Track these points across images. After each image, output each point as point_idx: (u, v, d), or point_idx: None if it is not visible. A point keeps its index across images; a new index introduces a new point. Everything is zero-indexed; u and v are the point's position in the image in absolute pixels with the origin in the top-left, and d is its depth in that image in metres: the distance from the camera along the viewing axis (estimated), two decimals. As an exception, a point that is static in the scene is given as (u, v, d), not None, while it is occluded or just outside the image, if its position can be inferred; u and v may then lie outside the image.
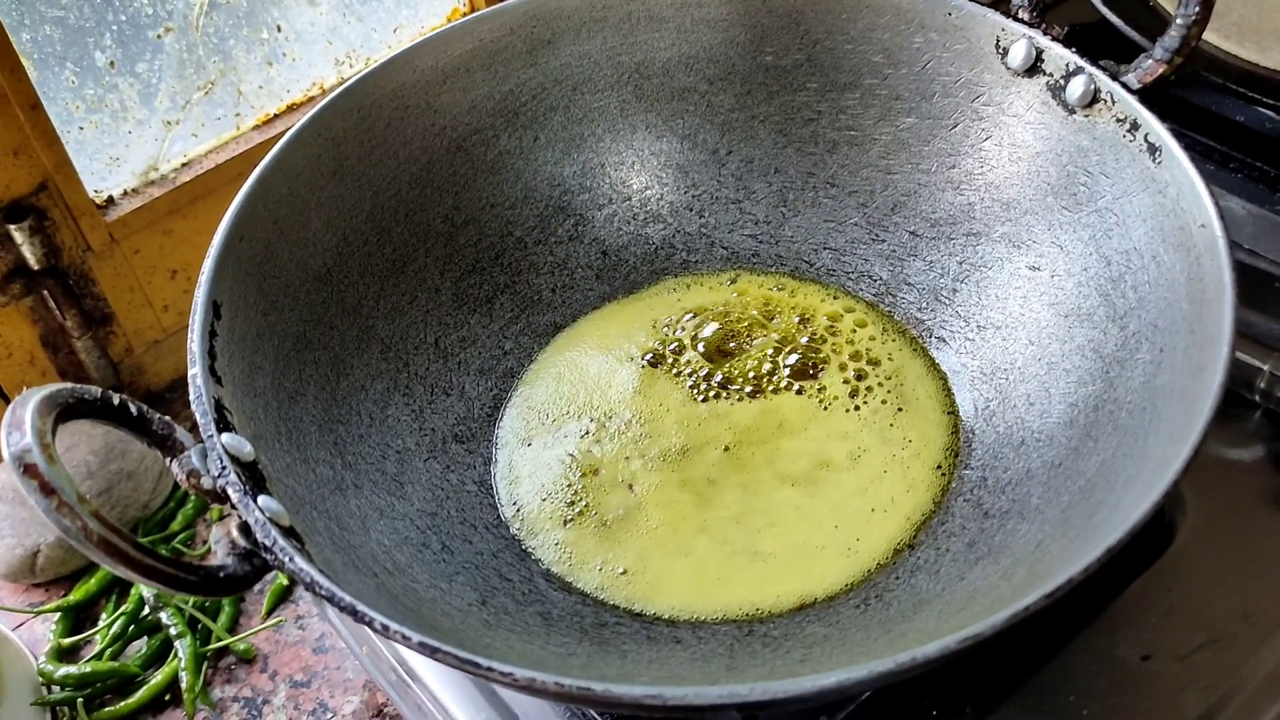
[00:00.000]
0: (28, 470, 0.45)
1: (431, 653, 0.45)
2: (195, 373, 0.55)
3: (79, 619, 0.97)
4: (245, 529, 0.50)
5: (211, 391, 0.54)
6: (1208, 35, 0.87)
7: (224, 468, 0.51)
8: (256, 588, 0.97)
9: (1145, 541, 0.64)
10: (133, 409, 0.52)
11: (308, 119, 0.67)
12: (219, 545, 0.51)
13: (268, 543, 0.49)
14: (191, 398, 0.54)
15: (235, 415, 0.55)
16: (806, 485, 0.65)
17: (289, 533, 0.51)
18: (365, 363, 0.68)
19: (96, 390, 0.51)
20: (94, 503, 0.95)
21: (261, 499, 0.51)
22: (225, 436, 0.53)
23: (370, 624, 0.46)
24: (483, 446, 0.70)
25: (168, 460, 0.53)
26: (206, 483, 0.51)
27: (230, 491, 0.51)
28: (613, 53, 0.76)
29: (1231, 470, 0.67)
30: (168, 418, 0.53)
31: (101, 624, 0.95)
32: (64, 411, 0.49)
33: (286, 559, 0.48)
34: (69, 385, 0.50)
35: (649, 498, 0.66)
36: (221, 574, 0.49)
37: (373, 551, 0.57)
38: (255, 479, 0.53)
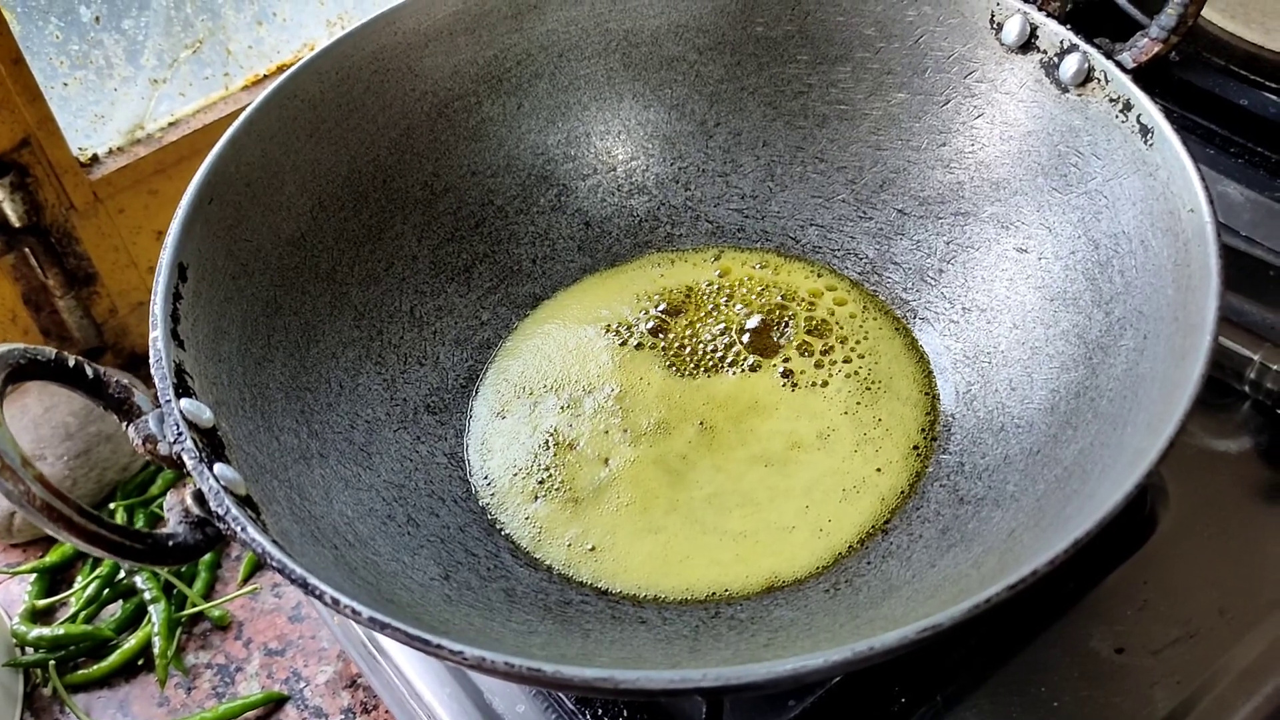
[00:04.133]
0: (-30, 432, 0.44)
1: (381, 628, 0.44)
2: (156, 336, 0.54)
3: (54, 581, 0.96)
4: (199, 497, 0.49)
5: (172, 355, 0.53)
6: (1211, 15, 0.85)
7: (180, 434, 0.50)
8: (234, 554, 0.96)
9: (1125, 532, 0.62)
10: (88, 371, 0.51)
11: (283, 80, 0.65)
12: (171, 513, 0.50)
13: (220, 511, 0.48)
14: (151, 361, 0.53)
15: (197, 380, 0.54)
16: (779, 465, 0.64)
17: (245, 502, 0.50)
18: (337, 330, 0.66)
19: (50, 351, 0.50)
20: (70, 465, 0.95)
21: (218, 467, 0.50)
22: (184, 402, 0.51)
23: (320, 597, 0.45)
24: (455, 418, 0.69)
25: (124, 425, 0.52)
26: (163, 449, 0.50)
27: (185, 458, 0.49)
28: (600, 19, 0.75)
29: (1217, 462, 0.66)
30: (125, 380, 0.52)
31: (77, 586, 0.94)
32: (15, 372, 0.48)
33: (239, 528, 0.47)
34: (21, 345, 0.49)
35: (623, 474, 0.65)
36: (171, 542, 0.48)
37: (334, 523, 0.56)
38: (213, 446, 0.52)
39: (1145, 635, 0.59)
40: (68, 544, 0.96)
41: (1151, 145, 0.58)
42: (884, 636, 0.41)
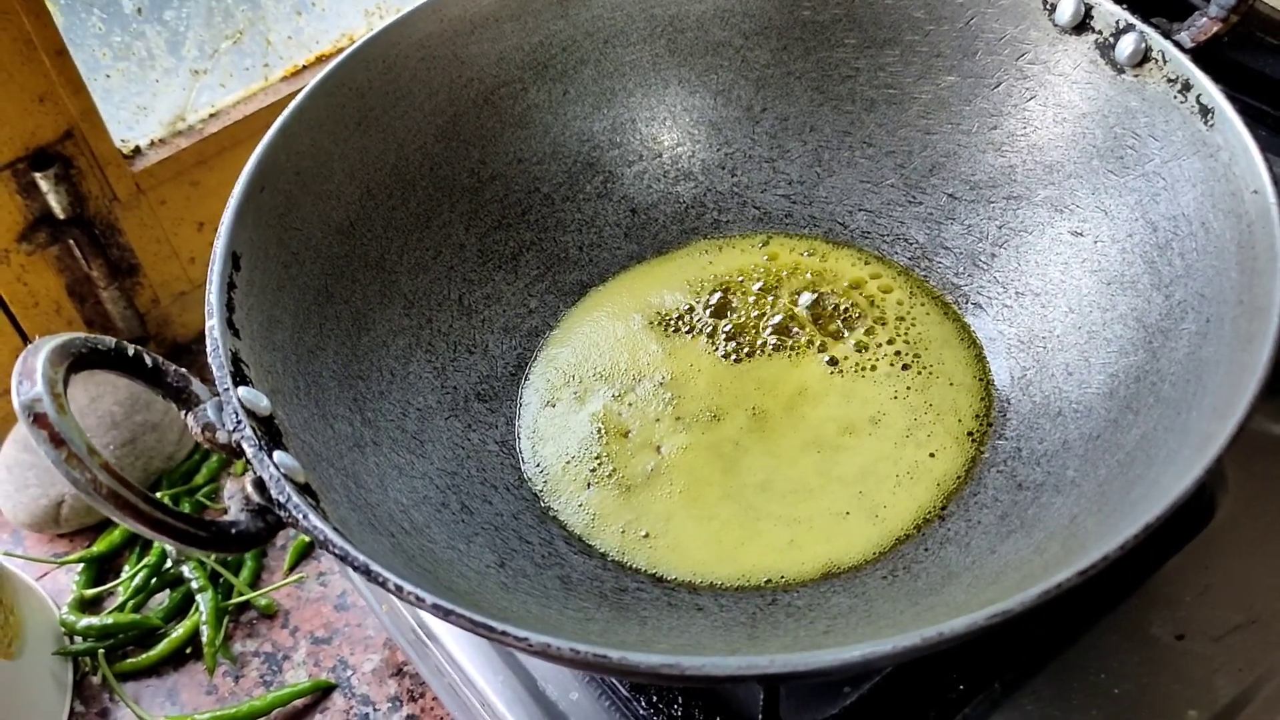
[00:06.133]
0: (37, 420, 0.44)
1: (445, 615, 0.44)
2: (212, 324, 0.54)
3: (102, 570, 0.97)
4: (260, 485, 0.49)
5: (229, 344, 0.53)
6: (1264, -5, 0.83)
7: (239, 422, 0.50)
8: (279, 543, 0.97)
9: (1185, 518, 0.62)
10: (148, 360, 0.51)
11: (331, 68, 0.65)
12: (232, 501, 0.50)
13: (282, 499, 0.48)
14: (208, 350, 0.53)
15: (253, 369, 0.54)
16: (831, 451, 0.63)
17: (304, 489, 0.50)
18: (387, 318, 0.66)
19: (110, 340, 0.51)
20: (116, 454, 0.95)
21: (277, 454, 0.50)
22: (242, 390, 0.52)
23: (384, 584, 0.45)
24: (505, 406, 0.69)
25: (183, 413, 0.52)
26: (221, 437, 0.50)
27: (245, 446, 0.50)
28: (646, 4, 0.74)
29: (1277, 446, 0.65)
30: (183, 370, 0.52)
31: (124, 576, 0.95)
32: (77, 361, 0.48)
33: (300, 516, 0.47)
34: (82, 335, 0.49)
35: (675, 461, 0.64)
36: (234, 530, 0.48)
37: (390, 510, 0.56)
38: (271, 434, 0.52)
39: (1206, 621, 0.58)
40: (115, 534, 0.97)
41: (1212, 126, 0.57)
42: (953, 622, 0.41)
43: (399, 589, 0.45)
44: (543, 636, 0.43)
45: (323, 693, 0.88)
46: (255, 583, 0.95)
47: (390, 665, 0.88)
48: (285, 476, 0.49)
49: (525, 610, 0.53)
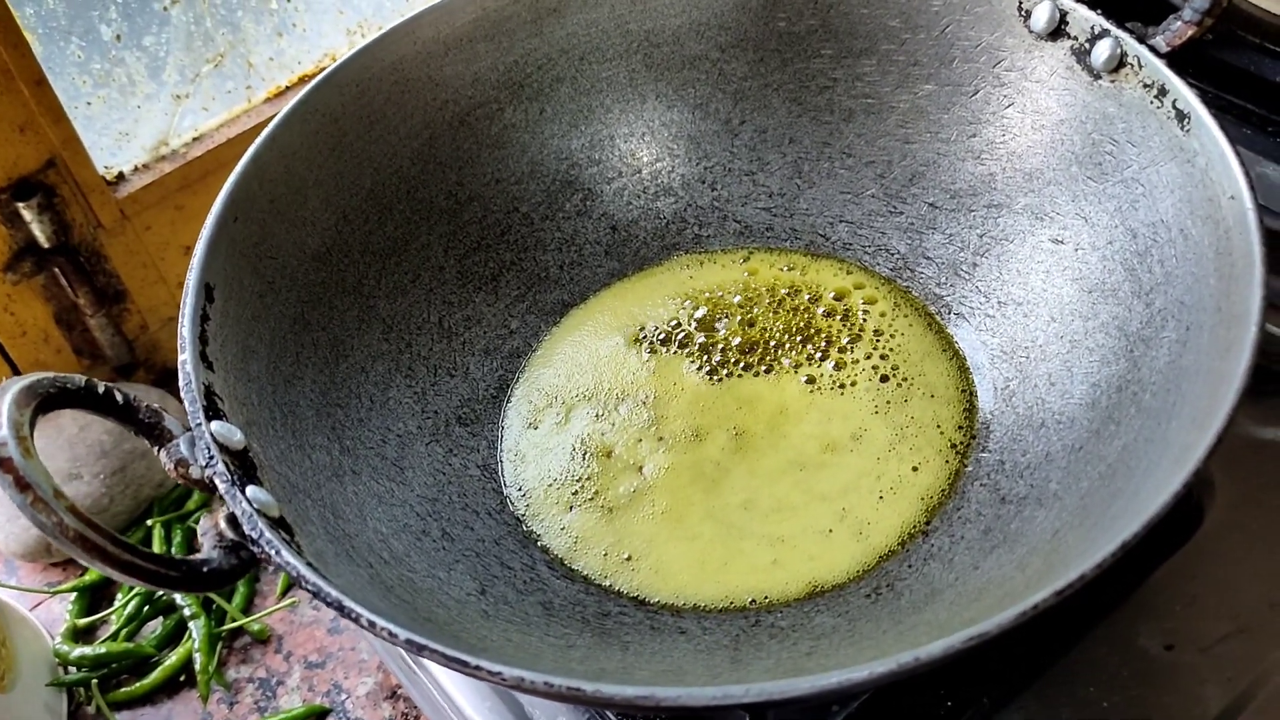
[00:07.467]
0: (2, 465, 0.44)
1: (418, 650, 0.44)
2: (185, 359, 0.54)
3: (95, 599, 0.96)
4: (233, 521, 0.49)
5: (202, 378, 0.53)
6: (1244, -7, 0.83)
7: (212, 457, 0.50)
8: (271, 567, 0.96)
9: (1170, 527, 0.61)
10: (118, 397, 0.51)
11: (303, 95, 0.65)
12: (206, 538, 0.49)
13: (254, 535, 0.48)
14: (181, 384, 0.53)
15: (227, 401, 0.54)
16: (813, 469, 0.63)
17: (278, 524, 0.50)
18: (366, 344, 0.66)
19: (80, 379, 0.50)
20: (106, 482, 0.95)
21: (250, 489, 0.50)
22: (215, 424, 0.51)
23: (357, 620, 0.45)
24: (487, 429, 0.68)
25: (156, 449, 0.52)
26: (195, 472, 0.50)
27: (218, 481, 0.49)
28: (621, 20, 0.74)
29: (1264, 451, 0.64)
30: (155, 405, 0.52)
31: (117, 604, 0.95)
32: (44, 402, 0.48)
33: (273, 552, 0.47)
34: (50, 375, 0.49)
35: (657, 482, 0.64)
36: (205, 568, 0.48)
37: (369, 540, 0.56)
38: (245, 468, 0.52)
39: (1194, 631, 0.58)
40: (107, 561, 0.97)
41: (1189, 131, 0.56)
42: (929, 647, 0.40)
43: (372, 624, 0.44)
44: (516, 670, 0.42)
45: (317, 717, 0.87)
46: (248, 608, 0.94)
47: (384, 689, 0.88)
48: (258, 512, 0.48)
49: (506, 638, 0.53)
